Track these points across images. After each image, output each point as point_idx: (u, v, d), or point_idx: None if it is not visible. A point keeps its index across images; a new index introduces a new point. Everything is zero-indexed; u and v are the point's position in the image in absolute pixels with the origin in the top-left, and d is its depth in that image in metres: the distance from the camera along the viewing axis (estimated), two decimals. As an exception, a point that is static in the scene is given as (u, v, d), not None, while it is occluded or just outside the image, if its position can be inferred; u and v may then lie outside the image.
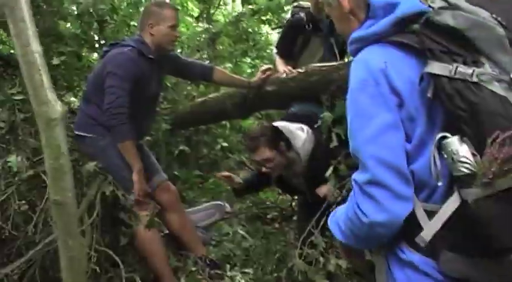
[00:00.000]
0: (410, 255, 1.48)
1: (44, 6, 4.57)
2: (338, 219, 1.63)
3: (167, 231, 3.73)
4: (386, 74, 1.42)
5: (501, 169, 1.22)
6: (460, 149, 1.28)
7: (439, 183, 1.36)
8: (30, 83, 1.50)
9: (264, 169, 3.19)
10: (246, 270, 3.62)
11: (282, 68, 4.14)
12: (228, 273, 3.52)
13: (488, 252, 1.32)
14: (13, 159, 3.03)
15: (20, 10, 1.47)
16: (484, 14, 1.30)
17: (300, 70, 4.02)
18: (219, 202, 4.41)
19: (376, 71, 1.43)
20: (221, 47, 7.93)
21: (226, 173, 3.69)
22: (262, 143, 3.09)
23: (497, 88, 1.26)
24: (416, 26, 1.43)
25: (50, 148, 1.50)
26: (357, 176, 1.47)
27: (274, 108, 4.16)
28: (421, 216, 1.43)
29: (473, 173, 1.26)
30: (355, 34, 1.55)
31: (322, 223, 2.97)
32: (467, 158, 1.27)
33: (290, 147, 3.16)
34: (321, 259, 2.88)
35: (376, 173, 1.40)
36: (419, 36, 1.40)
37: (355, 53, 1.56)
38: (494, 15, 1.30)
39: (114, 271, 3.17)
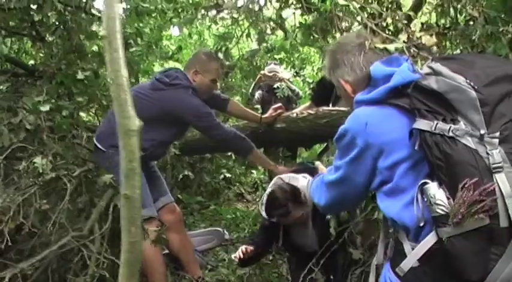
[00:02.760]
0: None
1: (73, 26, 4.73)
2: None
3: (167, 251, 3.85)
4: (367, 132, 1.71)
5: (469, 211, 1.44)
6: (437, 193, 1.52)
7: (421, 224, 1.60)
8: (117, 100, 1.75)
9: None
10: (238, 297, 3.74)
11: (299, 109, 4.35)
12: (221, 298, 3.63)
13: None
14: (38, 160, 3.18)
15: (116, 42, 1.75)
16: (460, 79, 1.54)
17: (310, 111, 4.22)
18: (219, 229, 4.55)
19: (359, 127, 1.73)
20: (233, 80, 8.17)
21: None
22: (291, 208, 3.13)
23: (469, 142, 1.48)
24: (409, 90, 1.67)
25: (126, 152, 1.74)
26: (326, 175, 1.96)
27: (282, 145, 4.32)
28: (408, 251, 1.69)
29: (447, 214, 1.49)
30: (358, 97, 1.83)
31: (322, 262, 3.11)
32: (442, 201, 1.50)
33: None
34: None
35: (329, 198, 1.95)
36: (410, 98, 1.65)
37: None
38: (468, 80, 1.52)
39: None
